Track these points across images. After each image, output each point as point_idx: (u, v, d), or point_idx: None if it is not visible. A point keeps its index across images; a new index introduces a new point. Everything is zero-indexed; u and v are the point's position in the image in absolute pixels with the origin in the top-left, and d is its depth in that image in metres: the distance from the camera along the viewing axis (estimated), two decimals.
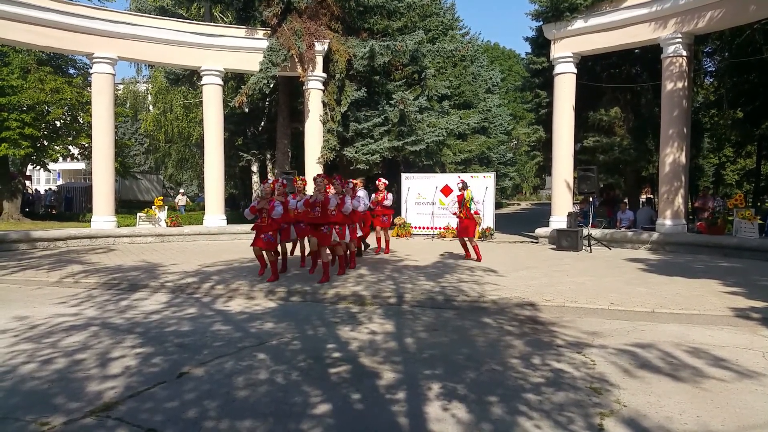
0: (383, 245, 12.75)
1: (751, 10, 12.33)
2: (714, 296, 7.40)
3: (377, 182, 12.97)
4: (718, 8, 12.83)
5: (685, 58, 13.65)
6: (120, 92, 41.32)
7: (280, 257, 9.62)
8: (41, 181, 50.24)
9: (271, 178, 21.36)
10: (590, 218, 14.48)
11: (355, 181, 10.69)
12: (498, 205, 32.55)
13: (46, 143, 24.13)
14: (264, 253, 9.06)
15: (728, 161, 31.45)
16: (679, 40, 13.50)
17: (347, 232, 9.48)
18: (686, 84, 13.84)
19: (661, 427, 3.52)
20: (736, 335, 5.79)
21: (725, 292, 7.76)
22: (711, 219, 13.78)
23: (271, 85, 17.36)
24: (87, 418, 3.64)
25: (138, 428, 3.49)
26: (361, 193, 10.75)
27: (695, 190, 21.79)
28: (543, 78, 20.00)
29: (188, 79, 22.04)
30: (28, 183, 34.07)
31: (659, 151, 14.47)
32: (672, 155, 13.77)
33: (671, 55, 13.69)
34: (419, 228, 17.54)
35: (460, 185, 11.31)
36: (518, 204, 53.38)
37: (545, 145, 21.31)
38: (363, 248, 12.26)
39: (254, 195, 27.32)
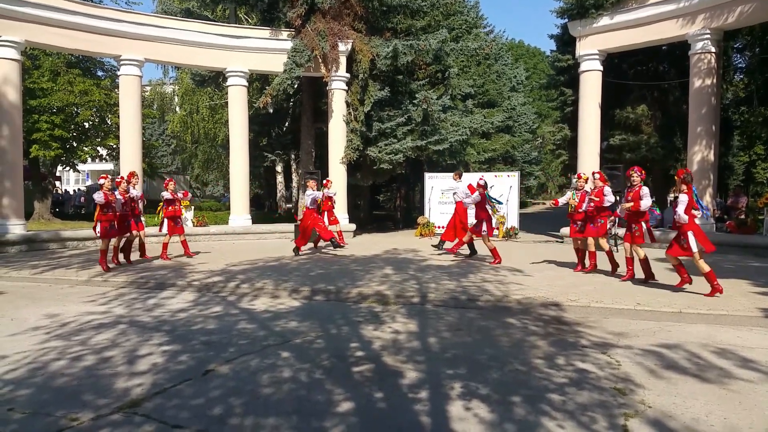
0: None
1: None
2: (743, 297, 7.26)
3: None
4: (749, 3, 12.58)
5: (713, 54, 13.41)
6: (147, 94, 41.99)
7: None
8: (70, 181, 51.32)
9: (295, 177, 21.51)
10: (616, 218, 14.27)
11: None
12: (522, 204, 32.35)
13: (75, 144, 24.62)
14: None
15: (759, 159, 30.79)
16: (708, 36, 13.25)
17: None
18: (715, 81, 13.59)
19: (688, 429, 3.47)
20: (766, 336, 5.68)
21: (755, 292, 7.61)
22: (740, 218, 13.50)
23: (295, 86, 17.46)
24: (114, 414, 3.72)
25: (164, 425, 3.55)
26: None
27: (725, 188, 21.36)
28: (568, 76, 19.82)
29: (214, 80, 22.30)
30: (57, 183, 34.85)
31: (687, 150, 14.22)
32: (700, 153, 13.52)
33: (699, 51, 13.45)
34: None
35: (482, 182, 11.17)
36: (543, 203, 52.90)
37: (571, 144, 21.09)
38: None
39: (278, 196, 27.56)
